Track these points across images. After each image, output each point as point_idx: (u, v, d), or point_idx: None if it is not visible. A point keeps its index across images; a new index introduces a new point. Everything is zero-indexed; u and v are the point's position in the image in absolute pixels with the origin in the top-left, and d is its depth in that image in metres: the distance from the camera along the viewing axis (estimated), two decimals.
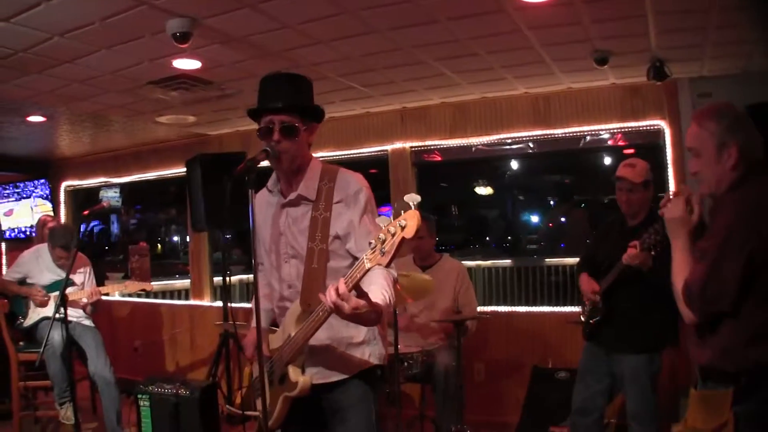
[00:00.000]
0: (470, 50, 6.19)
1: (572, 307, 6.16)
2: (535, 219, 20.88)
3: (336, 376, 3.67)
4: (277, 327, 3.84)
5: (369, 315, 3.19)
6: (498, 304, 12.34)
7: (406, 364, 6.38)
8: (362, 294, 3.11)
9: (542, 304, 12.31)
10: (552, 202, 20.42)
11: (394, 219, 2.84)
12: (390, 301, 3.36)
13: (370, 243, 2.95)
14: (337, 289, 3.04)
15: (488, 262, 14.38)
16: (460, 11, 5.21)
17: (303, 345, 3.50)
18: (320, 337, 3.51)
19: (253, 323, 3.95)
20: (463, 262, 13.94)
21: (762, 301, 3.02)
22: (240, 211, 3.54)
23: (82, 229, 12.56)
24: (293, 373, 3.56)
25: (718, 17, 5.34)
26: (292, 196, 3.68)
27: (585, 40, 5.91)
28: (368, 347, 3.72)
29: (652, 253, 4.75)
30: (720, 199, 3.27)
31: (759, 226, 3.00)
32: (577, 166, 16.46)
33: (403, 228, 2.79)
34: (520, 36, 5.78)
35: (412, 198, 2.81)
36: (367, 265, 2.96)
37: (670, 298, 4.40)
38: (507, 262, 14.42)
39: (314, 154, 8.50)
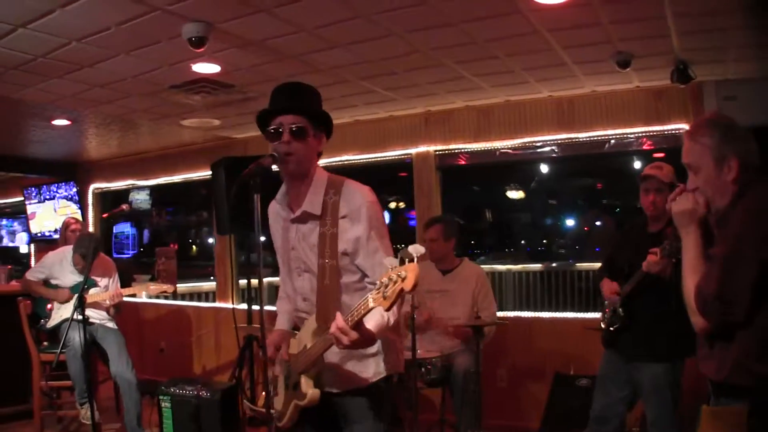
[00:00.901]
0: (489, 53, 6.16)
1: (597, 313, 6.11)
2: (569, 223, 20.77)
3: (348, 386, 3.69)
4: (298, 330, 3.89)
5: (363, 343, 3.25)
6: (528, 309, 12.26)
7: (423, 369, 6.37)
8: (360, 326, 3.16)
9: (572, 309, 12.24)
10: (588, 207, 20.29)
11: (399, 264, 2.86)
12: (389, 320, 3.38)
13: (376, 284, 2.96)
14: (337, 325, 3.14)
15: (519, 266, 14.34)
16: (473, 14, 5.19)
17: (317, 359, 3.54)
18: (335, 350, 3.50)
19: (277, 325, 4.04)
20: (493, 266, 14.01)
21: None
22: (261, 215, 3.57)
23: (114, 232, 12.78)
24: (305, 383, 3.59)
25: (739, 19, 5.27)
26: (299, 212, 3.67)
27: (606, 42, 5.85)
28: (381, 356, 3.72)
29: (673, 260, 4.69)
30: (726, 208, 3.18)
31: None
32: (607, 171, 16.39)
33: (403, 279, 2.80)
34: (539, 38, 5.75)
35: (416, 249, 2.84)
36: (371, 305, 2.98)
37: None
38: (537, 266, 14.36)
39: (339, 158, 8.60)
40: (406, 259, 2.83)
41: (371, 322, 3.26)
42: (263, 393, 7.84)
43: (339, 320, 3.13)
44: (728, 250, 3.02)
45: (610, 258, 5.71)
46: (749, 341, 3.00)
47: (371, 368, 3.69)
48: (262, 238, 3.99)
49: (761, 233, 2.95)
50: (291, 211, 3.75)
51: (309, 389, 3.56)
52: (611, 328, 5.39)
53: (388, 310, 2.96)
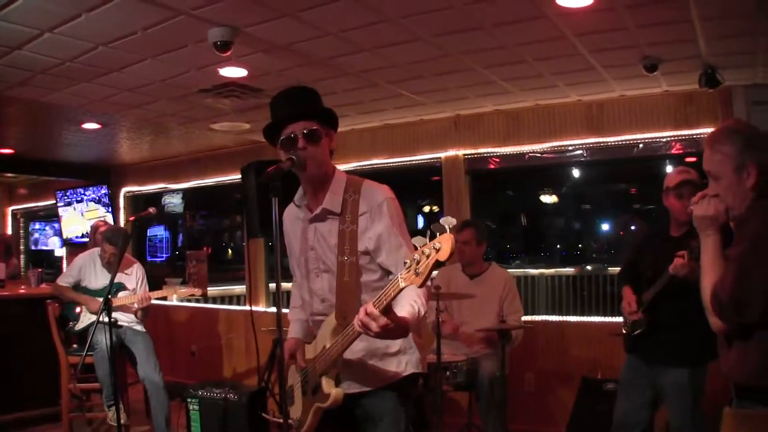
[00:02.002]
0: (518, 57, 6.16)
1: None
2: (604, 227, 20.70)
3: (369, 386, 3.68)
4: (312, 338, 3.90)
5: (396, 331, 3.19)
6: (560, 314, 12.20)
7: (448, 373, 6.35)
8: (390, 312, 3.12)
9: (604, 313, 12.16)
10: (622, 211, 20.21)
11: (429, 241, 2.86)
12: (420, 311, 3.37)
13: (405, 263, 2.95)
14: (366, 310, 3.07)
15: (551, 271, 14.30)
16: (501, 18, 5.18)
17: (337, 358, 3.52)
18: (355, 349, 3.53)
19: (290, 334, 4.03)
20: (526, 270, 13.98)
21: None
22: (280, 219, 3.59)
23: (148, 235, 12.84)
24: (326, 384, 3.58)
25: (767, 23, 5.22)
26: (318, 210, 3.68)
27: (633, 46, 5.83)
28: (404, 356, 3.71)
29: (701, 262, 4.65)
30: (746, 213, 3.17)
31: None
32: (641, 175, 16.30)
33: (437, 250, 2.80)
34: (566, 43, 5.74)
35: (448, 221, 2.83)
36: (402, 285, 2.96)
37: None
38: (570, 270, 14.33)
39: (369, 162, 8.62)
40: (437, 233, 2.83)
41: (403, 312, 3.25)
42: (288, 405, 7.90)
43: (369, 306, 3.07)
44: (744, 249, 3.01)
45: (631, 263, 5.67)
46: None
47: (393, 366, 3.68)
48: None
49: None
50: (309, 211, 3.76)
51: (332, 389, 3.55)
52: (634, 333, 5.35)
53: (421, 286, 2.92)
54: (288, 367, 3.94)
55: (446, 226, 2.81)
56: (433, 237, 2.84)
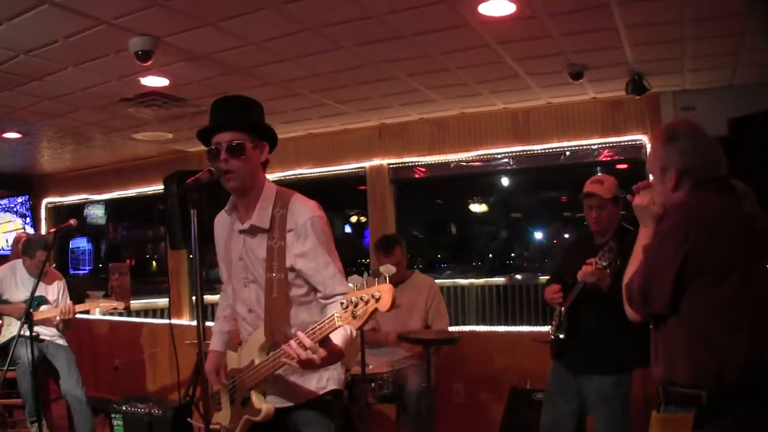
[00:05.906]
0: (441, 66, 6.17)
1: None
2: (537, 236, 20.81)
3: (295, 401, 3.70)
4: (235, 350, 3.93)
5: (332, 360, 3.34)
6: (491, 324, 12.22)
7: (374, 385, 6.26)
8: (326, 341, 3.23)
9: (535, 323, 12.20)
10: (553, 219, 20.35)
11: (368, 286, 2.97)
12: (352, 333, 3.48)
13: (342, 303, 3.02)
14: (302, 344, 3.17)
15: (481, 281, 14.32)
16: (423, 26, 5.18)
17: (267, 376, 3.56)
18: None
19: (211, 346, 4.07)
20: (456, 280, 13.99)
21: (700, 308, 3.08)
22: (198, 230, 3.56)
23: (71, 247, 12.63)
24: (257, 399, 3.63)
25: (693, 29, 5.31)
26: (246, 225, 3.68)
27: (558, 54, 5.88)
28: (326, 372, 3.73)
29: (608, 270, 4.67)
30: (665, 210, 3.31)
31: (695, 229, 3.04)
32: (572, 183, 16.41)
33: (377, 299, 2.90)
34: (490, 51, 5.76)
35: (388, 269, 3.00)
36: (338, 323, 3.07)
37: None
38: (500, 280, 14.36)
39: (293, 171, 8.56)
40: (375, 279, 2.94)
41: (337, 337, 3.32)
42: (214, 411, 7.82)
43: (304, 339, 3.18)
44: (652, 245, 3.21)
45: (558, 270, 5.67)
46: (680, 340, 3.14)
47: (314, 382, 3.71)
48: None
49: (685, 230, 3.06)
50: (240, 222, 3.75)
51: (263, 405, 3.61)
52: (559, 338, 5.33)
53: (359, 329, 3.10)
54: (216, 385, 3.97)
55: (386, 275, 2.94)
56: (371, 285, 2.98)
